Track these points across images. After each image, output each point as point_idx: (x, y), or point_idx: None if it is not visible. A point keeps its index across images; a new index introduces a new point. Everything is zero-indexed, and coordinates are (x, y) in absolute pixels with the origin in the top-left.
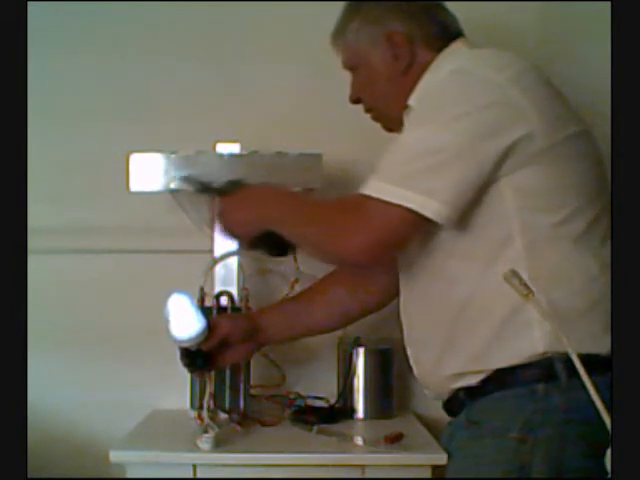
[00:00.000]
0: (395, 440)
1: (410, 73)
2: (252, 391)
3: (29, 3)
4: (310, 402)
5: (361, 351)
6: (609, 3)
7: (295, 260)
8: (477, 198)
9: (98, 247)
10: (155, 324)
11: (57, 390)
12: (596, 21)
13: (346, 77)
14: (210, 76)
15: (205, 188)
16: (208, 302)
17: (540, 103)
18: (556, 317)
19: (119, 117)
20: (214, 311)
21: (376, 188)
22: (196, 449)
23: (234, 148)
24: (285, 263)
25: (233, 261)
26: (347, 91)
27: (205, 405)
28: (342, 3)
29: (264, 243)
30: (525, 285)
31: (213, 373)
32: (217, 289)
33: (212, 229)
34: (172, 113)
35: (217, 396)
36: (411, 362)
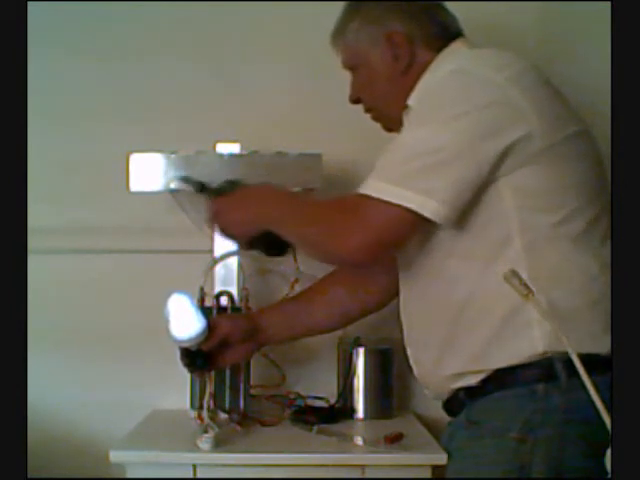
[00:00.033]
0: (395, 440)
1: (410, 73)
2: (252, 391)
3: (29, 3)
4: (310, 402)
5: (361, 351)
6: (609, 3)
7: (295, 260)
8: (476, 198)
9: (98, 247)
10: (155, 324)
11: (57, 390)
12: (596, 21)
13: (346, 77)
14: (210, 76)
15: (203, 188)
16: (208, 302)
17: (540, 103)
18: (556, 317)
19: (119, 117)
20: (214, 311)
21: (375, 188)
22: (196, 449)
23: (234, 148)
24: (285, 263)
25: (233, 261)
26: (347, 91)
27: (205, 405)
28: (342, 3)
29: (262, 243)
30: (525, 285)
31: (213, 373)
32: (217, 289)
33: (212, 229)
34: (172, 113)
35: (217, 396)
36: (411, 362)
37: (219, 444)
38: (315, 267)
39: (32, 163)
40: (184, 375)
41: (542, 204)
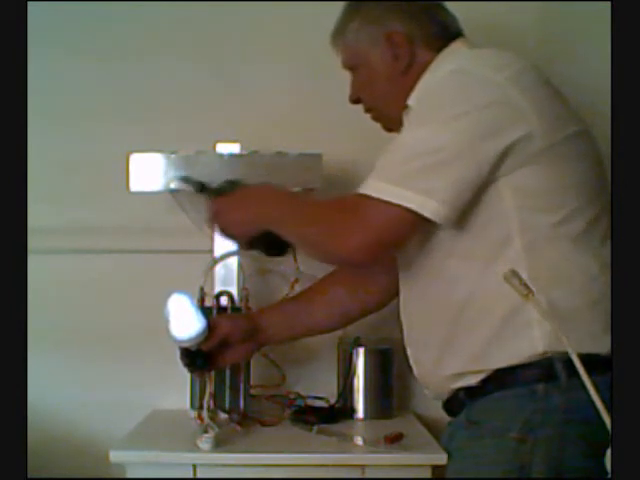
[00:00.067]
0: (395, 440)
1: (410, 73)
2: (252, 391)
3: (29, 3)
4: (310, 402)
5: (361, 351)
6: (609, 3)
7: (295, 260)
8: (476, 198)
9: (98, 247)
10: (155, 324)
11: (57, 390)
12: (596, 21)
13: (346, 77)
14: (210, 76)
15: (203, 188)
16: (208, 302)
17: (539, 103)
18: (556, 317)
19: (119, 117)
20: (214, 311)
21: (375, 188)
22: (196, 449)
23: (234, 148)
24: (285, 263)
25: (233, 261)
26: (347, 91)
27: (205, 405)
28: (342, 3)
29: (262, 243)
30: (525, 285)
31: (213, 373)
32: (217, 289)
33: (212, 229)
34: (172, 113)
35: (217, 396)
36: (411, 362)
37: (219, 444)
38: (315, 267)
39: (32, 163)
40: (184, 375)
41: (542, 204)
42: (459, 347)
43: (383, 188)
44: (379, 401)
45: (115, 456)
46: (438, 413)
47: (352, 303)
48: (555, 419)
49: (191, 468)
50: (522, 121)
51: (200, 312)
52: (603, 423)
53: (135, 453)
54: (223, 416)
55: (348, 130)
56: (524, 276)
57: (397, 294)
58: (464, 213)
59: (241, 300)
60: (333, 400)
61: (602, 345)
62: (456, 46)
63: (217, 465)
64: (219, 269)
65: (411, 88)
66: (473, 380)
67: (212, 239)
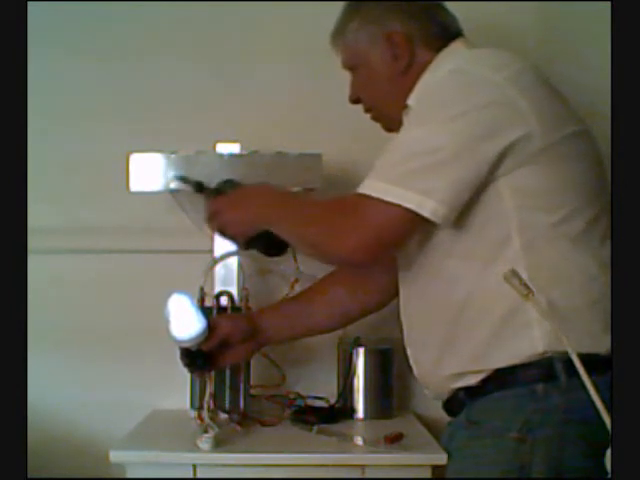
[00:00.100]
0: (395, 440)
1: (409, 73)
2: (252, 391)
3: (29, 3)
4: (310, 402)
5: (361, 351)
6: (609, 3)
7: (295, 260)
8: (475, 198)
9: (98, 247)
10: (155, 324)
11: (57, 390)
12: (596, 21)
13: (346, 77)
14: (210, 76)
15: (202, 188)
16: (208, 302)
17: (539, 103)
18: (555, 317)
19: (119, 117)
20: (214, 311)
21: (374, 188)
22: (196, 449)
23: (234, 148)
24: (285, 263)
25: (233, 261)
26: (347, 91)
27: (205, 405)
28: (342, 3)
29: (261, 243)
30: (525, 285)
31: (213, 373)
32: (217, 289)
33: (211, 229)
34: (172, 113)
35: (217, 396)
36: (411, 362)
37: (219, 444)
38: (315, 267)
39: (32, 163)
40: (184, 375)
41: (541, 204)
42: (459, 347)
43: (382, 188)
44: (379, 401)
45: (115, 456)
46: (438, 413)
47: (352, 303)
48: (555, 419)
49: (191, 468)
50: (521, 121)
51: (200, 312)
52: (603, 423)
53: (135, 453)
54: (223, 416)
55: (348, 130)
56: (523, 276)
57: (397, 294)
58: (463, 213)
59: (241, 300)
60: (333, 400)
61: (602, 345)
62: (456, 46)
63: (217, 465)
64: (219, 269)
65: (410, 88)
66: (473, 380)
67: (212, 239)
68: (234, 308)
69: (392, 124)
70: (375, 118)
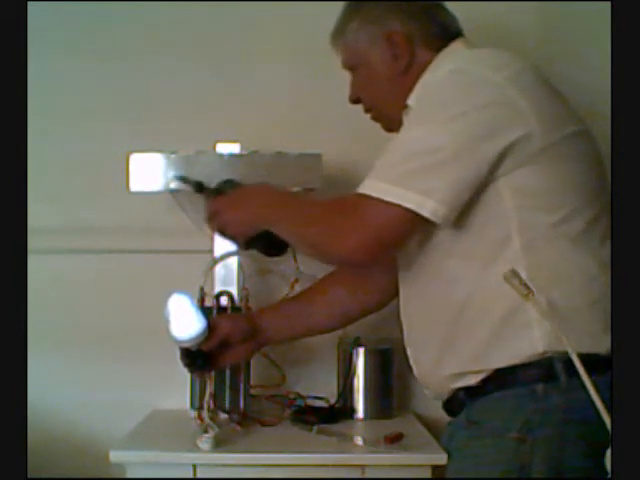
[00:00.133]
0: (395, 440)
1: (409, 73)
2: (252, 391)
3: (29, 3)
4: (310, 402)
5: (361, 351)
6: (609, 3)
7: (295, 260)
8: (475, 198)
9: (98, 247)
10: (155, 324)
11: (57, 390)
12: (596, 21)
13: (346, 77)
14: (210, 76)
15: (201, 188)
16: (208, 302)
17: (539, 103)
18: (556, 317)
19: (119, 117)
20: (214, 311)
21: (374, 187)
22: (196, 449)
23: (234, 148)
24: (285, 263)
25: (233, 261)
26: (347, 91)
27: (205, 405)
28: (342, 3)
29: (260, 243)
30: (525, 285)
31: (213, 373)
32: (217, 289)
33: (211, 229)
34: (172, 113)
35: (217, 396)
36: (411, 362)
37: (219, 444)
38: (315, 267)
39: (32, 163)
40: (184, 375)
41: (541, 204)
42: (459, 347)
43: (382, 188)
44: (379, 401)
45: (115, 456)
46: (438, 413)
47: (352, 303)
48: (555, 419)
49: (191, 468)
50: (521, 121)
51: (200, 312)
52: (603, 423)
53: (135, 453)
54: (223, 416)
55: (348, 130)
56: (523, 276)
57: (397, 294)
58: (463, 213)
59: (241, 300)
60: (333, 400)
61: (602, 345)
62: (455, 46)
63: (217, 465)
64: (219, 269)
65: (410, 88)
66: (473, 380)
67: (212, 239)
68: (234, 308)
69: (392, 124)
70: (375, 118)
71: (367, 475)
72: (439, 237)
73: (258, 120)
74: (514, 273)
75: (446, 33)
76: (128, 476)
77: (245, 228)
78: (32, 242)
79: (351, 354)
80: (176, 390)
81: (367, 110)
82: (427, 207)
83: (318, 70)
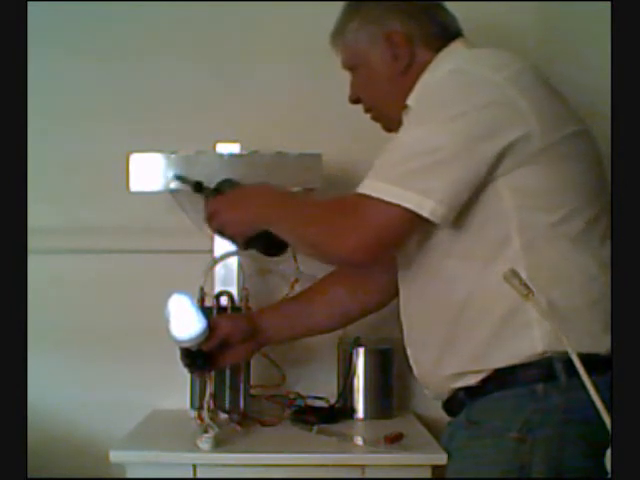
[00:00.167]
0: (395, 440)
1: (409, 73)
2: (252, 391)
3: (29, 3)
4: (310, 402)
5: (361, 351)
6: (609, 3)
7: (295, 260)
8: (475, 198)
9: (98, 247)
10: (155, 324)
11: (57, 390)
12: (596, 21)
13: (346, 77)
14: (210, 76)
15: (201, 187)
16: (208, 302)
17: (538, 103)
18: (555, 317)
19: (119, 117)
20: (214, 311)
21: (373, 187)
22: (196, 449)
23: (234, 148)
24: (285, 263)
25: (233, 261)
26: (347, 91)
27: (205, 405)
28: (342, 3)
29: (260, 243)
30: (525, 285)
31: (213, 373)
32: (217, 289)
33: (210, 229)
34: (172, 113)
35: (217, 396)
36: (411, 362)
37: (219, 444)
38: (315, 267)
39: (32, 163)
40: (184, 375)
41: (541, 204)
42: (459, 347)
43: (382, 188)
44: (379, 401)
45: (115, 456)
46: (438, 413)
47: (352, 303)
48: (555, 419)
49: (191, 468)
50: (521, 121)
51: (200, 312)
52: (603, 423)
53: (135, 453)
54: (223, 416)
55: (348, 130)
56: (523, 276)
57: (397, 294)
58: (463, 213)
59: (241, 300)
60: (333, 400)
61: (602, 345)
62: (455, 46)
63: (217, 465)
64: (219, 269)
65: (410, 88)
66: (473, 380)
67: (212, 239)
68: (234, 308)
69: (392, 124)
70: (375, 118)
71: (367, 475)
72: (438, 237)
73: (258, 120)
74: (514, 273)
75: (446, 33)
76: (128, 476)
77: (244, 228)
78: (32, 242)
79: (351, 354)
80: (176, 390)
81: (367, 110)
82: (426, 207)
83: (318, 70)
